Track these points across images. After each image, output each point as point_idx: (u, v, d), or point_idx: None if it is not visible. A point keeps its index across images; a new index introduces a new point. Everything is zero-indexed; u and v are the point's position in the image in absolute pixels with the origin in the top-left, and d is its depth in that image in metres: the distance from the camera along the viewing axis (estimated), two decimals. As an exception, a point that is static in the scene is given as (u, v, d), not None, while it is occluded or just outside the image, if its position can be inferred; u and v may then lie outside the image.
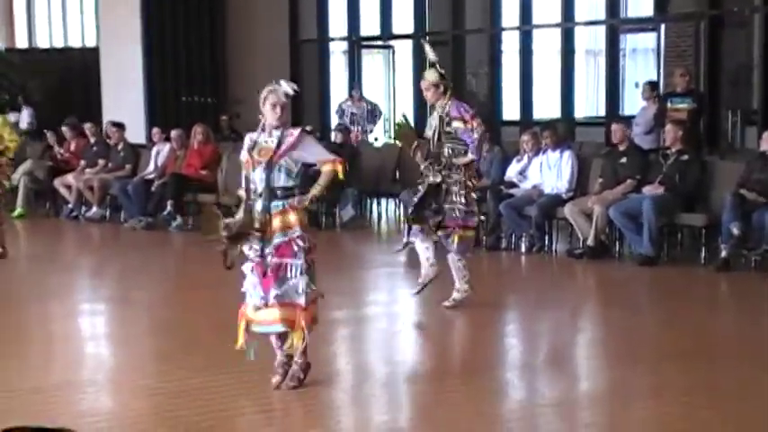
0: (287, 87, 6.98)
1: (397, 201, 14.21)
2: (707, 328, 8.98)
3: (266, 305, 6.88)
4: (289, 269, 6.93)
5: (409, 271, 12.20)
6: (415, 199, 9.35)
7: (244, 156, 6.96)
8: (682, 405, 6.67)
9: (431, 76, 9.21)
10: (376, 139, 17.44)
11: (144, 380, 7.52)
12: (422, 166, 9.38)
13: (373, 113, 17.04)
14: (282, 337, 6.98)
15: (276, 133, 6.95)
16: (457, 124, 9.10)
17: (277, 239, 6.92)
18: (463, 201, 9.12)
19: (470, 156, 9.13)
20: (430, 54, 9.43)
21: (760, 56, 14.00)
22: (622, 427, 6.52)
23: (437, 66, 9.28)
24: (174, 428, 6.32)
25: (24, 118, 18.72)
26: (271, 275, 6.87)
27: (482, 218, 9.75)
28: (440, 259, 9.50)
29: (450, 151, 9.14)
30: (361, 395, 7.28)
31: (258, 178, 6.91)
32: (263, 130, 6.96)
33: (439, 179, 9.14)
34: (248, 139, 7.02)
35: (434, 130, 9.23)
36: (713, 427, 6.35)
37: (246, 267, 6.93)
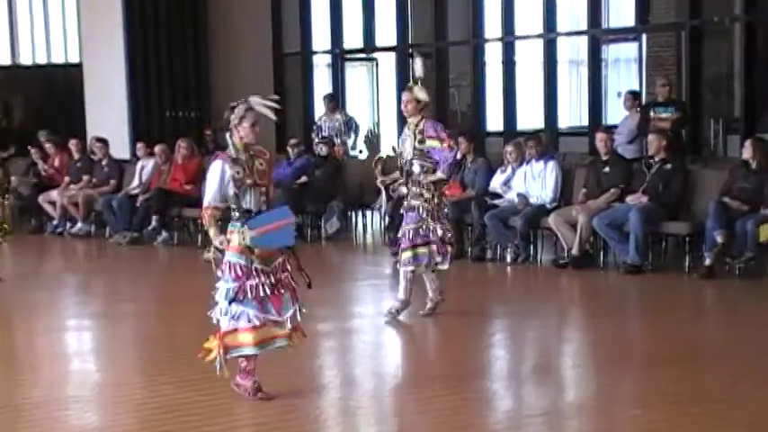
0: (266, 103, 6.87)
1: (382, 213, 14.19)
2: (693, 335, 8.99)
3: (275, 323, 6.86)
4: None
5: (394, 283, 12.22)
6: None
7: (230, 174, 6.74)
8: (669, 412, 6.68)
9: (420, 93, 9.15)
10: (360, 152, 17.42)
11: (131, 395, 7.50)
12: (378, 181, 9.76)
13: (348, 125, 16.95)
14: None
15: (260, 154, 6.90)
16: (432, 143, 9.12)
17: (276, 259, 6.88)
18: (424, 216, 9.28)
19: (440, 174, 9.19)
20: (418, 70, 9.40)
21: (741, 64, 14.06)
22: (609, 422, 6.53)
23: (419, 82, 9.23)
24: (145, 420, 6.31)
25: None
26: (278, 294, 6.84)
27: (449, 233, 9.63)
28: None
29: (419, 168, 9.19)
30: (349, 407, 7.27)
31: (254, 200, 6.82)
32: (241, 149, 6.82)
33: (404, 192, 9.35)
34: (227, 161, 6.78)
35: (407, 146, 9.28)
36: (700, 434, 6.37)
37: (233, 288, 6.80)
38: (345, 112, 17.18)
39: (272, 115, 6.90)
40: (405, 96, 9.22)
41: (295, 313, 6.95)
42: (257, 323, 6.81)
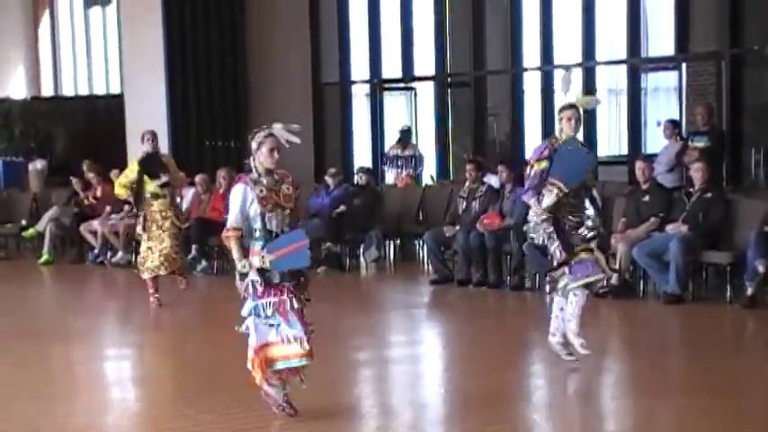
0: (288, 130, 6.94)
1: (421, 241, 14.20)
2: (734, 366, 8.90)
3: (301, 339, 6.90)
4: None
5: (431, 312, 12.20)
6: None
7: (254, 203, 6.86)
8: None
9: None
10: (432, 178, 17.42)
11: (171, 424, 7.52)
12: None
13: (419, 159, 17.02)
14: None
15: (285, 178, 7.01)
16: None
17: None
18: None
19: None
20: (565, 86, 9.19)
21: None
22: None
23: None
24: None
25: (38, 167, 18.78)
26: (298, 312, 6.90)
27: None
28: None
29: None
30: (386, 437, 7.26)
31: (277, 222, 6.89)
32: (263, 173, 6.93)
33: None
34: (250, 184, 6.91)
35: None
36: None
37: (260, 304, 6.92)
38: (416, 146, 17.22)
39: (294, 139, 6.94)
40: (572, 114, 8.52)
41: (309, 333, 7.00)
42: (284, 338, 6.91)
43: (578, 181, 8.47)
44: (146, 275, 12.02)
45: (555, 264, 8.58)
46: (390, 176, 16.99)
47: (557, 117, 8.66)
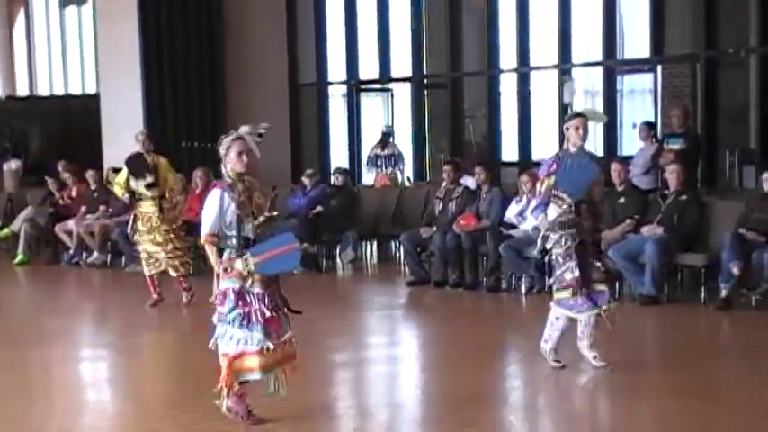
0: (255, 132, 6.94)
1: (398, 243, 14.22)
2: (710, 367, 8.94)
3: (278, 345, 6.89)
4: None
5: (408, 314, 12.21)
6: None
7: (230, 209, 6.82)
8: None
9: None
10: (408, 180, 17.45)
11: (148, 425, 7.51)
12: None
13: (399, 157, 17.08)
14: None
15: (253, 187, 6.98)
16: None
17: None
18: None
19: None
20: (568, 95, 9.03)
21: (756, 96, 14.08)
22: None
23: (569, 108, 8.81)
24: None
25: (12, 167, 18.69)
26: (276, 317, 6.88)
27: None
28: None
29: None
30: (363, 438, 7.27)
31: (252, 228, 6.86)
32: (235, 178, 6.91)
33: None
34: (226, 190, 6.88)
35: None
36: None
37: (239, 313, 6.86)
38: (396, 145, 17.24)
39: (256, 150, 6.90)
40: (580, 123, 8.33)
41: (290, 337, 6.96)
42: (264, 347, 6.85)
43: (582, 193, 8.33)
44: (145, 271, 12.03)
45: (560, 280, 8.45)
46: (371, 176, 17.03)
47: (564, 126, 8.46)
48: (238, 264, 6.75)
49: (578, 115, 8.45)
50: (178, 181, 12.65)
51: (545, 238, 8.40)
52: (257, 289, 6.82)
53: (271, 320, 6.86)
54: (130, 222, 12.29)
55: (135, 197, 12.08)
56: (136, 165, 12.17)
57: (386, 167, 16.99)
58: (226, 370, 6.90)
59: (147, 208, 11.96)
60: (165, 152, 12.99)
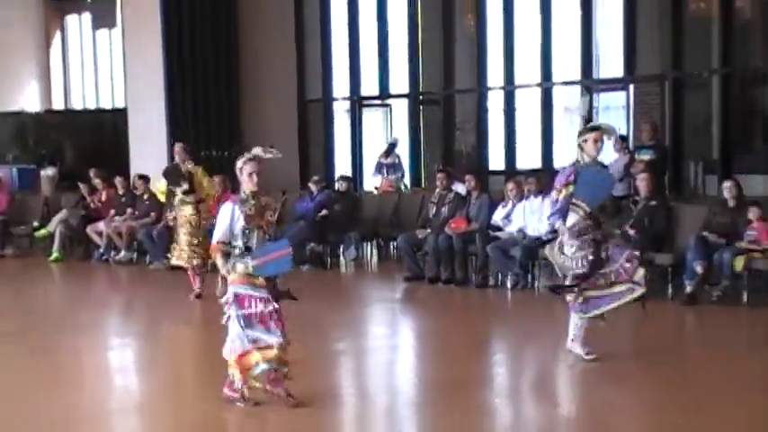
0: (266, 153, 6.97)
1: (396, 243, 14.20)
2: (677, 355, 8.92)
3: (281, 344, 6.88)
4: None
5: (404, 307, 12.20)
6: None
7: (240, 221, 6.86)
8: (653, 421, 6.65)
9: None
10: (406, 187, 17.46)
11: (171, 409, 7.48)
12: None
13: (400, 166, 17.15)
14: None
15: (268, 206, 6.99)
16: None
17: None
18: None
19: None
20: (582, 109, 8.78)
21: (718, 112, 14.07)
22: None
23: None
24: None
25: (49, 173, 18.68)
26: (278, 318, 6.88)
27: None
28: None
29: None
30: (365, 420, 7.24)
31: (257, 241, 6.88)
32: (251, 196, 6.93)
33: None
34: (238, 203, 6.93)
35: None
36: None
37: (241, 315, 6.89)
38: (398, 155, 17.26)
39: (274, 155, 6.97)
40: (598, 137, 8.28)
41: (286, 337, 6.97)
42: (263, 344, 6.88)
43: (601, 201, 8.22)
44: (186, 265, 12.06)
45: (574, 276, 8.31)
46: (377, 181, 17.03)
47: (582, 139, 8.28)
48: (240, 266, 6.81)
49: (596, 129, 8.32)
50: (213, 186, 12.69)
51: (562, 245, 8.25)
52: (261, 294, 6.85)
53: (275, 322, 6.87)
54: (172, 222, 12.47)
55: (177, 201, 12.20)
56: (172, 175, 12.38)
57: (388, 174, 17.03)
58: (237, 367, 6.94)
59: (187, 210, 12.04)
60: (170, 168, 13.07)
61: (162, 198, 12.50)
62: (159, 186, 12.53)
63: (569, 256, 8.24)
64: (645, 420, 6.91)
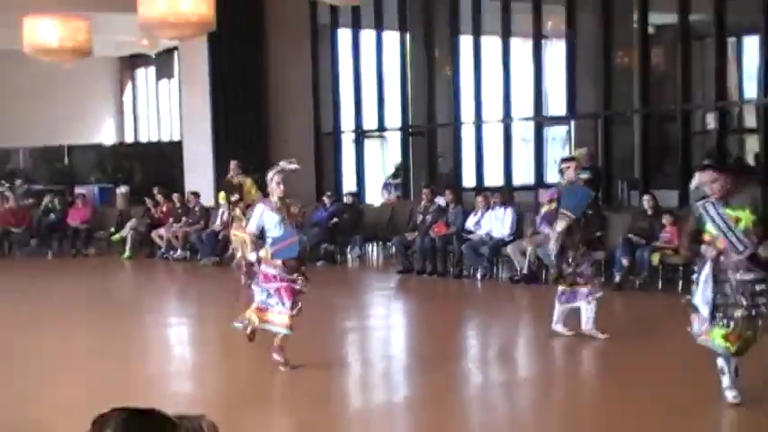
0: (291, 166, 7.03)
1: (390, 244, 14.18)
2: (608, 329, 8.91)
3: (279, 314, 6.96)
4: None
5: (398, 294, 12.20)
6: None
7: (271, 219, 6.94)
8: (593, 386, 6.65)
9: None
10: (399, 197, 17.56)
11: (217, 372, 7.50)
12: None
13: (400, 184, 17.49)
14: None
15: (292, 203, 7.07)
16: None
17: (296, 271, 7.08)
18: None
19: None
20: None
21: (639, 143, 14.09)
22: (553, 397, 6.49)
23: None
24: (224, 390, 6.29)
25: (122, 191, 18.66)
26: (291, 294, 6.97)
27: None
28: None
29: None
30: (367, 381, 7.25)
31: (284, 230, 6.95)
32: (276, 199, 6.98)
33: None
34: (268, 206, 7.02)
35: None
36: (615, 400, 6.31)
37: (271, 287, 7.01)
38: (401, 176, 17.52)
39: (294, 166, 7.05)
40: (573, 164, 8.24)
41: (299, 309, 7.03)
42: (277, 311, 6.98)
43: (582, 209, 8.19)
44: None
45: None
46: (385, 196, 17.19)
47: (565, 165, 8.20)
48: (262, 252, 6.98)
49: (572, 158, 8.28)
50: (260, 196, 12.75)
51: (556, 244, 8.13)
52: (283, 273, 6.95)
53: (289, 295, 6.94)
54: (219, 228, 13.00)
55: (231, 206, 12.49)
56: (226, 187, 12.64)
57: (394, 191, 17.29)
58: (255, 313, 7.12)
59: (240, 214, 12.09)
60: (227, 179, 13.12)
61: (223, 202, 12.81)
62: (221, 195, 12.84)
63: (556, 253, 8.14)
64: (581, 379, 6.93)
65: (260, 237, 7.09)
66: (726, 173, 5.73)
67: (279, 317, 6.95)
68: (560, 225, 8.04)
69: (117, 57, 24.36)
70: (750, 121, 14.00)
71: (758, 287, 5.60)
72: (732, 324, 5.59)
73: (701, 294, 5.67)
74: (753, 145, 13.94)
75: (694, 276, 5.85)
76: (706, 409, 5.78)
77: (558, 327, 8.21)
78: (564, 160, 8.42)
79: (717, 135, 13.18)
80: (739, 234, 5.56)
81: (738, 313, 5.59)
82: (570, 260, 8.09)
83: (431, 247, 12.73)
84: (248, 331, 7.19)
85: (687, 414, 5.77)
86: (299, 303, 7.00)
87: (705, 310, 5.65)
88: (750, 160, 13.94)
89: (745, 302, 5.59)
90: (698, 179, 5.92)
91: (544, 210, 8.22)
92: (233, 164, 12.66)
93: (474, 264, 12.43)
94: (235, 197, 12.42)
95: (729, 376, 5.69)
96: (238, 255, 7.20)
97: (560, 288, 8.20)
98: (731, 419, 5.70)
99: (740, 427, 5.68)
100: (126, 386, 6.79)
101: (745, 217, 5.59)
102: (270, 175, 7.05)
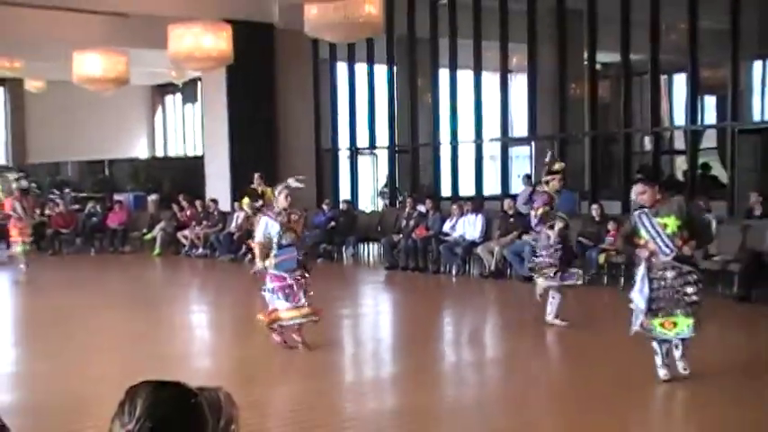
0: (296, 183, 7.04)
1: (379, 244, 14.16)
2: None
3: (297, 307, 6.89)
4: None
5: (386, 286, 12.19)
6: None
7: (274, 228, 6.87)
8: (550, 360, 6.65)
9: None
10: (386, 206, 17.59)
11: (229, 349, 7.46)
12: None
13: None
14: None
15: (293, 213, 7.02)
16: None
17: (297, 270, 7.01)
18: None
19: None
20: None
21: (589, 161, 14.13)
22: (517, 373, 6.49)
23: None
24: (238, 366, 6.26)
25: (153, 198, 18.58)
26: (297, 290, 6.91)
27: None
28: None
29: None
30: (358, 359, 7.23)
31: (288, 239, 6.91)
32: (281, 210, 6.94)
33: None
34: (271, 217, 6.95)
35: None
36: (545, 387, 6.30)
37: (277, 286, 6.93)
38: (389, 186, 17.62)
39: (300, 185, 7.06)
40: (560, 176, 8.04)
41: (311, 302, 6.99)
42: (285, 307, 6.92)
43: (572, 212, 8.28)
44: None
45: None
46: (380, 204, 17.32)
47: (551, 177, 8.02)
48: (268, 261, 6.91)
49: (558, 171, 8.13)
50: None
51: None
52: (285, 273, 6.90)
53: (296, 292, 6.90)
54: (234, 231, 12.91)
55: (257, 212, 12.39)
56: (250, 193, 12.54)
57: (387, 199, 17.41)
58: (269, 314, 7.00)
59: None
60: (243, 191, 12.99)
61: (247, 209, 12.62)
62: (244, 201, 12.64)
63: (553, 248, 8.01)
64: (540, 358, 6.92)
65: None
66: (653, 185, 5.75)
67: (294, 312, 6.91)
68: (560, 224, 7.94)
69: (150, 85, 24.31)
70: (679, 143, 14.09)
71: (684, 279, 5.66)
72: (663, 314, 5.67)
73: (639, 290, 5.73)
74: (681, 164, 14.05)
75: (634, 276, 5.92)
76: (643, 383, 5.79)
77: (555, 320, 7.97)
78: (550, 173, 8.16)
79: (652, 155, 13.26)
80: (665, 239, 5.63)
81: (671, 304, 5.66)
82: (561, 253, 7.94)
83: (413, 247, 12.72)
84: (279, 339, 6.98)
85: (629, 387, 5.78)
86: (311, 292, 6.99)
87: (642, 303, 5.71)
88: (680, 176, 14.04)
89: (675, 295, 5.65)
90: (633, 191, 5.99)
91: (540, 212, 8.02)
92: (256, 175, 12.52)
93: (450, 261, 12.43)
94: (259, 203, 12.29)
95: (661, 357, 5.75)
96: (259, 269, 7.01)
97: (549, 279, 7.96)
98: (663, 392, 5.71)
99: (667, 399, 5.69)
100: (154, 363, 6.75)
101: (671, 223, 5.65)
102: (279, 188, 7.04)
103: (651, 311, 5.68)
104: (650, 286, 5.67)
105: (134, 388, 1.43)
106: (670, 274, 5.65)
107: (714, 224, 9.97)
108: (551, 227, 7.94)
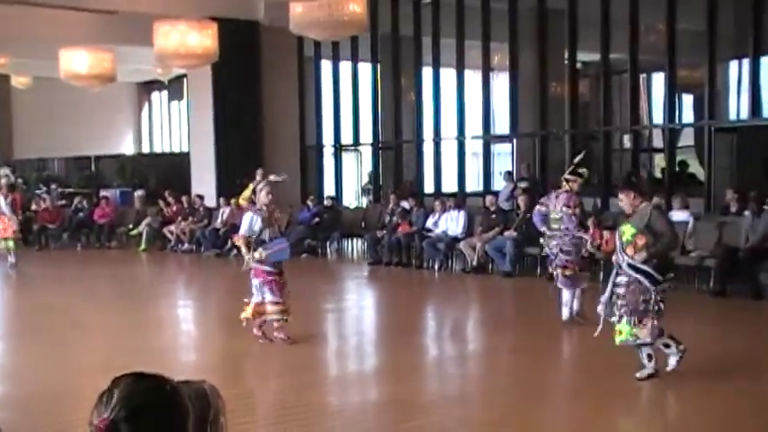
0: (278, 178, 7.08)
1: (363, 240, 14.17)
2: (540, 313, 8.96)
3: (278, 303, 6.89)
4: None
5: (369, 281, 12.20)
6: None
7: (257, 223, 6.87)
8: (526, 353, 6.68)
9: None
10: (370, 202, 17.62)
11: (215, 342, 7.44)
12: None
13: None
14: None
15: (275, 210, 7.04)
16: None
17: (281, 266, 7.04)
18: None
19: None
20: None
21: (568, 157, 14.18)
22: (495, 365, 6.52)
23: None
24: (223, 360, 6.25)
25: (139, 194, 18.47)
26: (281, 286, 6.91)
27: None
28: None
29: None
30: (342, 351, 7.24)
31: (270, 234, 6.92)
32: (262, 206, 6.94)
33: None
34: (255, 212, 6.93)
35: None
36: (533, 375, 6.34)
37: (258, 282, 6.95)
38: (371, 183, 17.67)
39: (281, 179, 7.10)
40: (579, 180, 7.90)
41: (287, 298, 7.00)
42: (269, 302, 6.93)
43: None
44: None
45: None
46: (364, 201, 17.36)
47: (569, 176, 7.90)
48: (256, 254, 6.87)
49: (581, 175, 7.95)
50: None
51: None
52: (271, 269, 6.89)
53: (278, 287, 6.91)
54: (219, 226, 12.72)
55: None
56: (252, 189, 12.41)
57: (370, 195, 17.40)
58: (252, 309, 7.00)
59: None
60: (228, 187, 12.91)
61: (243, 203, 12.41)
62: (243, 194, 12.45)
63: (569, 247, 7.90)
64: (518, 351, 6.96)
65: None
66: (628, 192, 5.73)
67: (273, 307, 6.92)
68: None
69: (136, 82, 24.16)
70: (658, 141, 14.18)
71: (636, 287, 5.61)
72: (617, 318, 5.69)
73: (605, 295, 5.81)
74: (659, 161, 14.14)
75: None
76: (622, 377, 5.83)
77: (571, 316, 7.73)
78: (573, 173, 7.98)
79: (631, 153, 13.36)
80: (619, 247, 5.67)
81: (627, 309, 5.63)
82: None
83: (396, 242, 12.74)
84: (260, 333, 6.98)
85: (608, 380, 5.82)
86: (288, 291, 6.99)
87: (600, 306, 5.80)
88: (657, 173, 14.14)
89: (619, 300, 5.65)
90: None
91: (571, 212, 7.90)
92: (258, 171, 12.46)
93: (432, 257, 12.45)
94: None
95: (652, 359, 5.72)
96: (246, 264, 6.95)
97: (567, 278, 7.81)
98: (642, 386, 5.75)
99: (645, 393, 5.74)
100: (140, 357, 6.72)
101: (627, 231, 5.66)
102: (260, 185, 7.04)
103: (614, 316, 5.72)
104: (610, 291, 5.74)
105: (116, 380, 1.44)
106: (622, 280, 5.67)
107: (692, 222, 10.10)
108: (587, 229, 7.79)
